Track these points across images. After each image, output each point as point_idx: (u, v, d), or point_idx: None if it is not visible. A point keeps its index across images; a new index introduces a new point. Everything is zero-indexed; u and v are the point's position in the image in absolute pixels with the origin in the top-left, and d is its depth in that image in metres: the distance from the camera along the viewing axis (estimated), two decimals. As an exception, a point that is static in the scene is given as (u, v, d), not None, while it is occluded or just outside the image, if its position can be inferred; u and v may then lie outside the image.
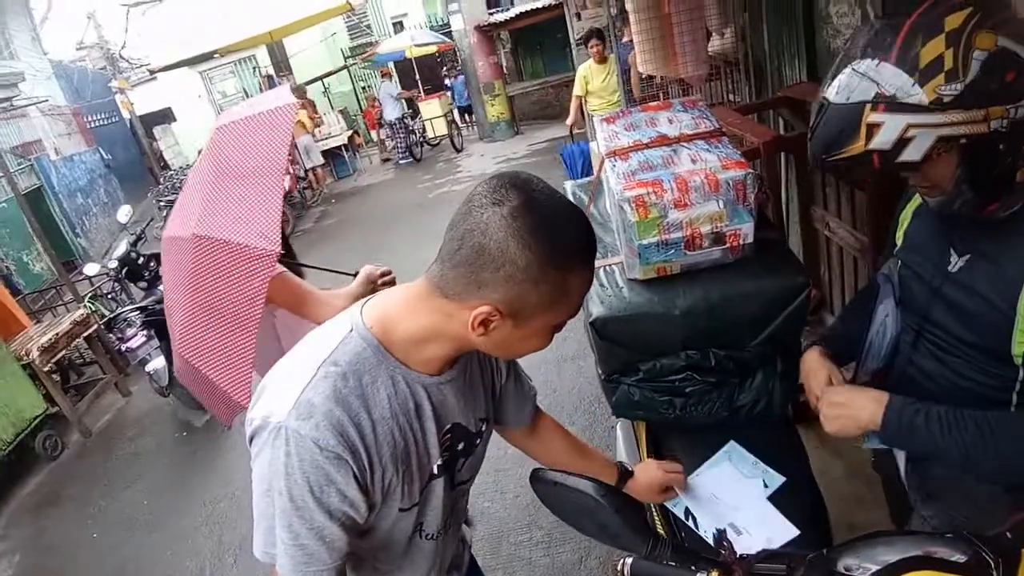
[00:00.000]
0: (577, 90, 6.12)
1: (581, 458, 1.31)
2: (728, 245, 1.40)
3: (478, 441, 1.06)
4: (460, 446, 1.01)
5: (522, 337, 0.85)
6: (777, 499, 1.34)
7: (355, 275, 1.88)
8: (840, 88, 0.97)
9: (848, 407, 1.10)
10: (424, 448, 0.93)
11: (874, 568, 0.89)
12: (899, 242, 1.23)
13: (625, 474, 1.30)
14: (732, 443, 1.47)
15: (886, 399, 1.07)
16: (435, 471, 0.97)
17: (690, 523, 1.34)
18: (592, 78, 5.96)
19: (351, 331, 0.88)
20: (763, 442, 1.48)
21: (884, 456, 1.44)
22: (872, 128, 0.94)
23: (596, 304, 1.49)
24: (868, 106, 0.94)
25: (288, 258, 1.91)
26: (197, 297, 1.68)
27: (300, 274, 1.98)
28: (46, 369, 4.40)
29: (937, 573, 0.85)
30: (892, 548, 0.94)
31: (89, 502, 3.78)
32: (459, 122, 12.03)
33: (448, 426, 0.97)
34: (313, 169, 10.52)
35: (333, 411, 0.82)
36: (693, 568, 0.87)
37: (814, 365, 1.27)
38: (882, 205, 2.39)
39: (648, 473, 1.30)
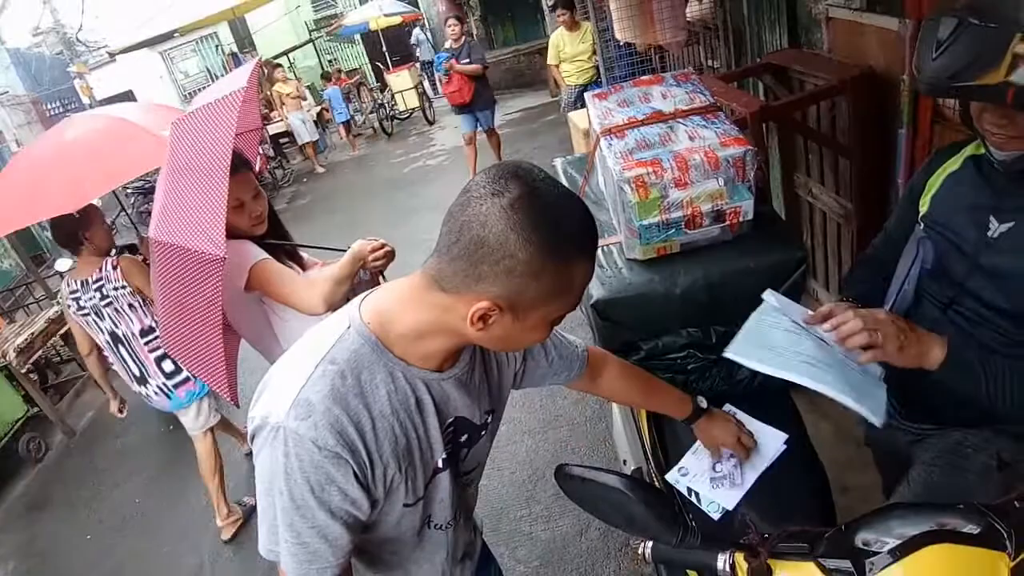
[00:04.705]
0: (551, 59, 6.06)
1: (650, 395, 1.35)
2: (728, 223, 1.39)
3: (483, 432, 1.05)
4: (463, 438, 1.01)
5: (521, 331, 0.83)
6: (781, 470, 1.36)
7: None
8: (986, 8, 0.89)
9: (919, 352, 1.07)
10: (427, 443, 0.93)
11: (891, 542, 0.91)
12: (923, 208, 1.21)
13: (699, 412, 1.34)
14: (728, 406, 1.48)
15: (947, 346, 1.06)
16: (439, 465, 0.97)
17: (693, 499, 1.36)
18: (564, 45, 5.89)
19: (348, 328, 0.86)
20: (762, 413, 1.49)
21: (875, 431, 1.47)
22: (1018, 59, 0.86)
23: (596, 285, 1.48)
24: (1020, 35, 0.85)
25: (278, 238, 1.86)
26: (166, 299, 1.70)
27: (295, 253, 1.94)
28: (24, 370, 4.30)
29: (954, 546, 0.87)
30: (906, 521, 0.95)
31: (79, 504, 3.73)
32: (430, 93, 11.77)
33: (451, 420, 0.96)
34: (312, 144, 10.17)
35: (331, 410, 0.81)
36: (718, 551, 0.88)
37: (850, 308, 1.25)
38: (868, 172, 2.41)
39: (725, 427, 1.34)
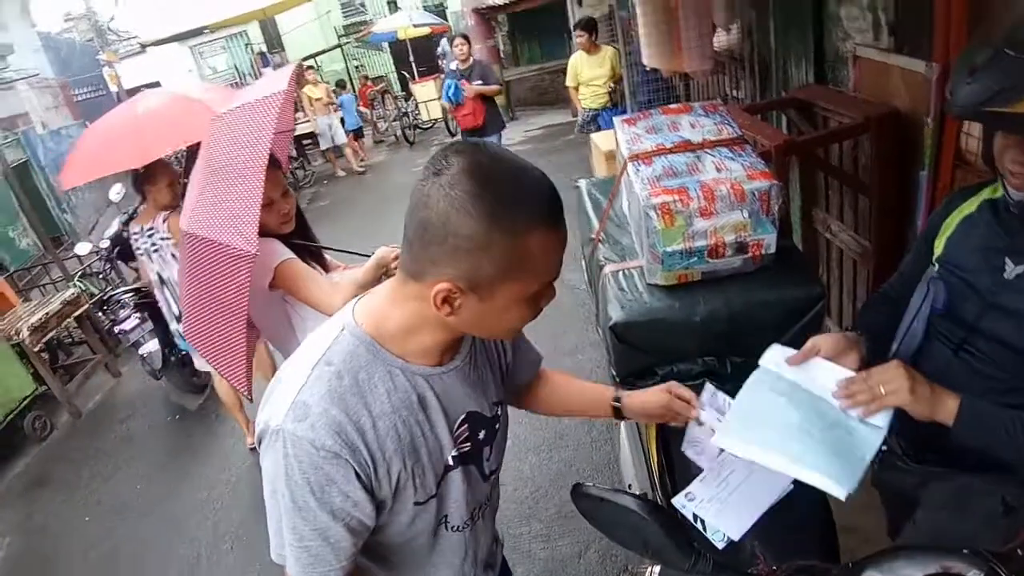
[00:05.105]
0: (569, 81, 6.05)
1: (572, 395, 1.26)
2: (750, 254, 1.41)
3: (497, 426, 1.04)
4: (481, 434, 0.99)
5: (494, 312, 0.81)
6: (788, 502, 1.36)
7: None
8: (1022, 41, 0.92)
9: (932, 399, 1.07)
10: (434, 440, 0.92)
11: (897, 583, 0.92)
12: (938, 250, 1.23)
13: (621, 395, 1.21)
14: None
15: (960, 398, 1.06)
16: (450, 462, 0.95)
17: (698, 526, 1.36)
18: (582, 68, 5.88)
19: (342, 330, 0.87)
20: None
21: (884, 473, 1.48)
22: None
23: (616, 307, 1.49)
24: None
25: (304, 239, 1.89)
26: (193, 289, 1.73)
27: (319, 255, 1.97)
28: (36, 349, 4.34)
29: (960, 591, 0.88)
30: (912, 563, 0.96)
31: (80, 485, 3.75)
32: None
33: (462, 416, 0.95)
34: (333, 148, 10.13)
35: (329, 411, 0.81)
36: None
37: (840, 338, 1.24)
38: (887, 211, 2.42)
39: (654, 393, 1.18)
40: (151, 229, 3.24)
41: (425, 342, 0.88)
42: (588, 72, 5.85)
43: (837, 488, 1.03)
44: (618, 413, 1.19)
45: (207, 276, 1.59)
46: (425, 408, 0.90)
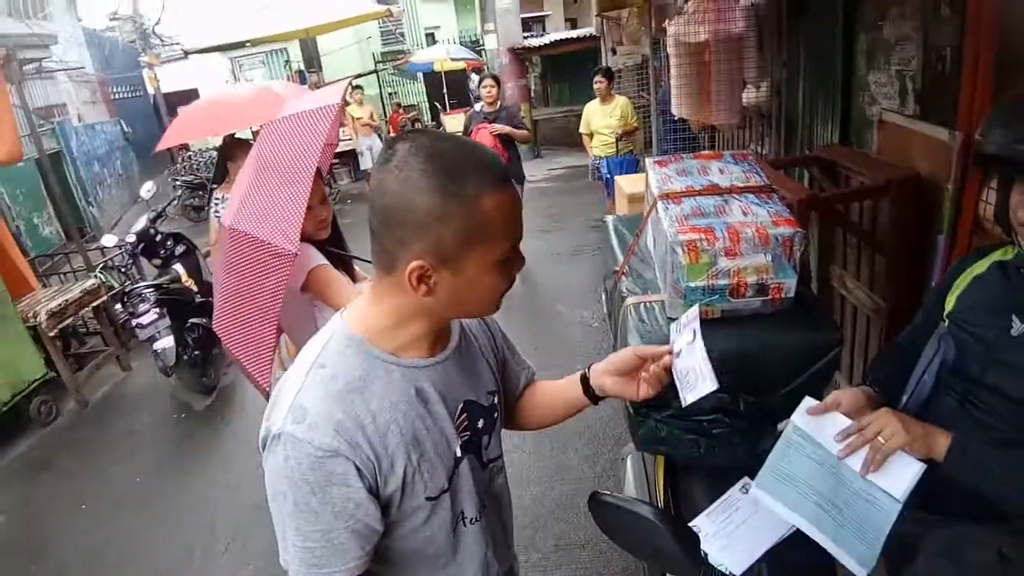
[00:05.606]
0: (583, 128, 6.15)
1: (550, 393, 1.20)
2: (770, 297, 1.45)
3: (495, 415, 1.06)
4: (480, 423, 1.01)
5: (468, 284, 0.84)
6: (796, 545, 1.38)
7: None
8: None
9: (925, 436, 1.14)
10: (439, 433, 0.93)
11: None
12: (949, 306, 1.28)
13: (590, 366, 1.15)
14: (746, 479, 1.50)
15: (951, 436, 1.13)
16: (459, 454, 0.96)
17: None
18: (593, 117, 5.98)
19: (333, 334, 0.91)
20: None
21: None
22: None
23: (635, 338, 1.54)
24: None
25: (337, 247, 1.96)
26: (229, 282, 1.77)
27: (349, 264, 2.04)
28: (51, 334, 4.40)
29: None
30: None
31: (79, 473, 3.77)
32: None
33: (461, 405, 0.97)
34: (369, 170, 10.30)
35: (326, 410, 0.84)
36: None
37: (859, 394, 1.32)
38: (903, 272, 2.46)
39: (622, 351, 1.11)
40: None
41: (412, 333, 0.91)
42: (599, 121, 5.93)
43: (858, 568, 1.12)
44: (589, 390, 1.12)
45: (246, 271, 1.65)
46: (425, 401, 0.92)
